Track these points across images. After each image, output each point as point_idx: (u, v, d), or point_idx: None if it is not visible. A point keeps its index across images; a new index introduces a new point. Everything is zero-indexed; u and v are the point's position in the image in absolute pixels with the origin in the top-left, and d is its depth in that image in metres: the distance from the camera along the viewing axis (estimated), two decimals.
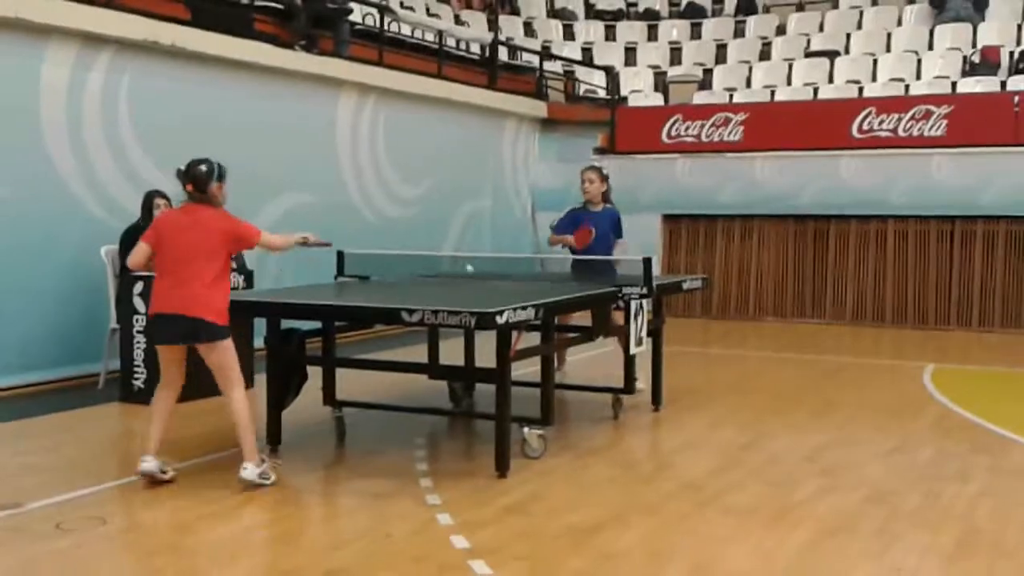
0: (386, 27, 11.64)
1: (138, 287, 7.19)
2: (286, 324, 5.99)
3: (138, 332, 7.35)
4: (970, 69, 13.67)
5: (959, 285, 12.29)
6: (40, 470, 5.49)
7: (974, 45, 14.27)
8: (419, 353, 7.08)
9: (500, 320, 5.02)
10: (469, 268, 7.85)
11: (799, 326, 12.55)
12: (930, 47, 14.51)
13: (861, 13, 15.83)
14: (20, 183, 7.66)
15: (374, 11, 11.58)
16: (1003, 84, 13.22)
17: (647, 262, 6.25)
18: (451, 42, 13.48)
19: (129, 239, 7.24)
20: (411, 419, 6.67)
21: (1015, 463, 5.81)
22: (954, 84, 13.47)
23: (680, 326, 12.40)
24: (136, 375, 7.38)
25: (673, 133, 13.67)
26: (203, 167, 5.26)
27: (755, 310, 13.21)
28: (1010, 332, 11.84)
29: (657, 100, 15.07)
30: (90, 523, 4.63)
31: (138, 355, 7.37)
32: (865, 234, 12.74)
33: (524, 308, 5.21)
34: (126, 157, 8.23)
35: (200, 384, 7.24)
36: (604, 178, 7.89)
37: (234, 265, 7.65)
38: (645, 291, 6.24)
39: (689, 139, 13.59)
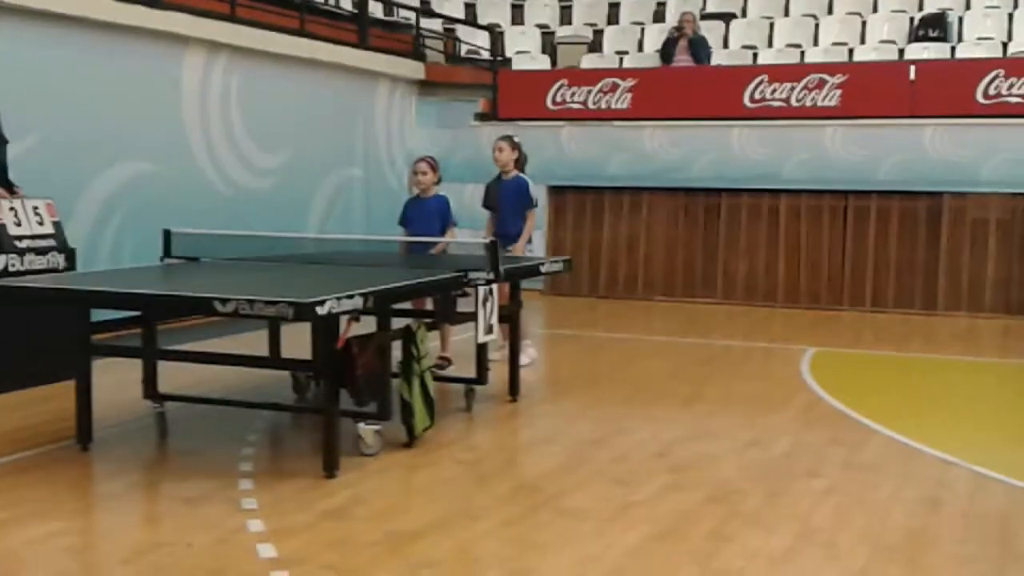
0: None
1: None
2: None
3: None
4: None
5: (851, 264, 12.66)
6: None
7: (875, 10, 14.65)
8: (263, 338, 7.07)
9: (321, 311, 5.00)
10: None
11: (689, 306, 12.80)
12: (829, 11, 14.85)
13: None
14: None
15: None
16: (900, 52, 13.62)
17: (492, 245, 6.29)
18: None
19: None
20: (247, 414, 6.62)
21: (868, 457, 6.03)
22: (851, 51, 13.81)
23: (565, 306, 12.57)
24: None
25: (559, 99, 13.76)
26: None
27: (644, 288, 13.41)
28: (903, 312, 12.25)
29: (544, 63, 15.15)
30: None
31: None
32: (758, 209, 13.02)
33: (351, 297, 5.21)
34: None
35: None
36: (515, 146, 8.54)
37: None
38: (492, 276, 6.28)
39: (575, 106, 13.69)
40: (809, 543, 4.61)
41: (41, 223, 7.64)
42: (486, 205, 8.68)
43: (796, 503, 5.16)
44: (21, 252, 7.40)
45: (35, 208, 7.64)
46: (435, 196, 8.23)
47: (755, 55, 14.16)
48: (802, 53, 13.99)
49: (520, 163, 8.55)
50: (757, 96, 12.87)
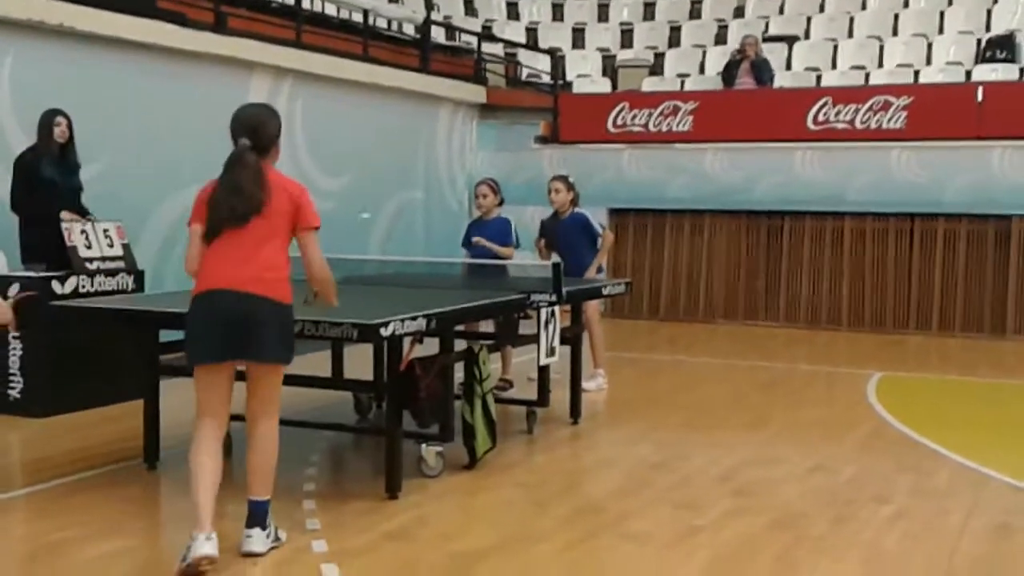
0: (306, 3, 11.60)
1: (13, 288, 7.12)
2: None
3: (14, 337, 7.30)
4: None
5: (918, 287, 12.47)
6: None
7: (941, 31, 14.48)
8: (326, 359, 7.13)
9: (385, 332, 5.04)
10: (365, 215, 8.36)
11: (750, 329, 12.68)
12: (894, 33, 14.69)
13: None
14: None
15: None
16: (968, 74, 13.43)
17: (556, 267, 6.29)
18: (382, 22, 13.46)
19: None
20: (310, 435, 6.67)
21: (937, 484, 5.92)
22: (916, 73, 13.65)
23: (624, 329, 12.52)
24: (12, 384, 7.32)
25: (619, 122, 13.75)
26: None
27: (705, 311, 13.32)
28: (971, 337, 12.03)
29: (605, 86, 15.15)
30: None
31: (13, 362, 7.31)
32: (821, 232, 12.89)
33: (414, 319, 5.24)
34: (8, 147, 8.13)
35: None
36: (570, 187, 8.57)
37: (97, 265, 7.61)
38: (554, 298, 6.28)
39: (636, 128, 13.67)
40: (877, 570, 4.54)
41: (111, 245, 7.79)
42: (541, 239, 8.70)
43: (863, 530, 5.08)
44: (92, 273, 7.55)
45: (105, 230, 7.80)
46: (497, 217, 8.29)
47: (819, 77, 14.04)
48: (867, 75, 13.85)
49: (576, 200, 8.60)
50: (821, 118, 12.75)
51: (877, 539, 4.93)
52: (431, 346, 5.91)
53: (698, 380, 9.40)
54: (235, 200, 4.36)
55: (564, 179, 8.66)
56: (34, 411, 7.19)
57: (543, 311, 6.38)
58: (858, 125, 12.61)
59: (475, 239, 8.17)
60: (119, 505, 5.34)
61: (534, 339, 6.56)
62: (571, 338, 7.22)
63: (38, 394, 7.27)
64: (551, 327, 6.48)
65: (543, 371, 6.94)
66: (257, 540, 4.51)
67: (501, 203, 8.35)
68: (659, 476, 6.01)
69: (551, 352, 6.55)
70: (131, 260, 7.97)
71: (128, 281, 7.85)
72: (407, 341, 5.53)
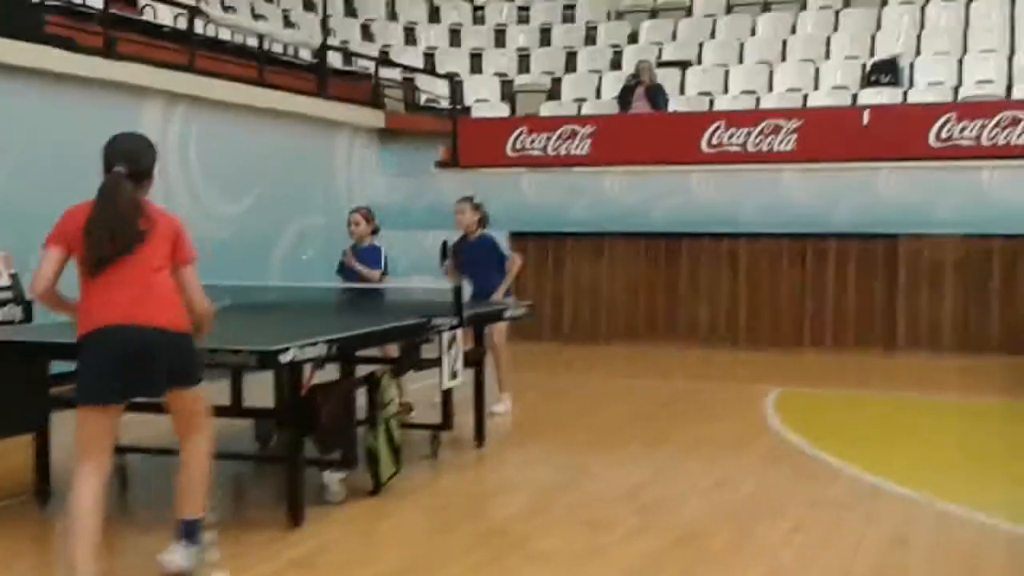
0: (199, 28, 11.45)
1: None
2: None
3: None
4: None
5: (812, 304, 12.78)
6: None
7: (828, 56, 14.93)
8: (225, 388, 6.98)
9: (285, 358, 4.98)
10: (304, 257, 8.37)
11: (651, 349, 12.83)
12: (783, 58, 15.10)
13: (715, 22, 16.36)
14: None
15: (184, 12, 11.38)
16: (854, 97, 13.86)
17: (456, 291, 6.30)
18: (277, 47, 13.34)
19: None
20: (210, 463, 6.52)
21: (833, 495, 6.06)
22: (805, 96, 14.05)
23: (528, 351, 12.52)
24: None
25: (518, 146, 13.85)
26: None
27: (607, 333, 13.45)
28: (863, 352, 12.36)
29: (503, 110, 15.26)
30: None
31: None
32: (717, 252, 13.13)
33: (314, 344, 5.18)
34: None
35: None
36: (476, 207, 8.67)
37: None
38: (456, 321, 6.28)
39: (535, 152, 13.79)
40: None
41: None
42: (446, 260, 8.82)
43: (763, 543, 5.17)
44: None
45: None
46: (370, 245, 8.43)
47: (711, 101, 14.35)
48: (757, 99, 14.20)
49: (484, 221, 8.66)
50: (715, 141, 13.02)
51: (776, 552, 5.02)
52: (333, 371, 5.86)
53: (601, 401, 9.47)
54: (117, 228, 4.17)
55: (469, 200, 8.71)
56: None
57: (445, 335, 6.37)
58: (750, 148, 12.91)
59: (344, 260, 8.39)
60: (8, 544, 5.16)
61: (436, 363, 6.54)
62: (474, 361, 7.21)
63: None
64: (453, 350, 6.47)
65: (446, 394, 6.93)
66: (182, 556, 4.40)
67: (375, 231, 8.50)
68: (564, 496, 6.04)
69: (454, 375, 6.54)
70: (19, 290, 7.73)
71: (16, 312, 7.61)
72: (307, 367, 5.47)
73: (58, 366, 5.94)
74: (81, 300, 4.28)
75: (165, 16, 12.29)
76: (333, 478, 5.79)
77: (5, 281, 7.62)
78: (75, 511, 4.12)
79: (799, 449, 7.32)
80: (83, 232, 4.21)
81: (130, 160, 4.29)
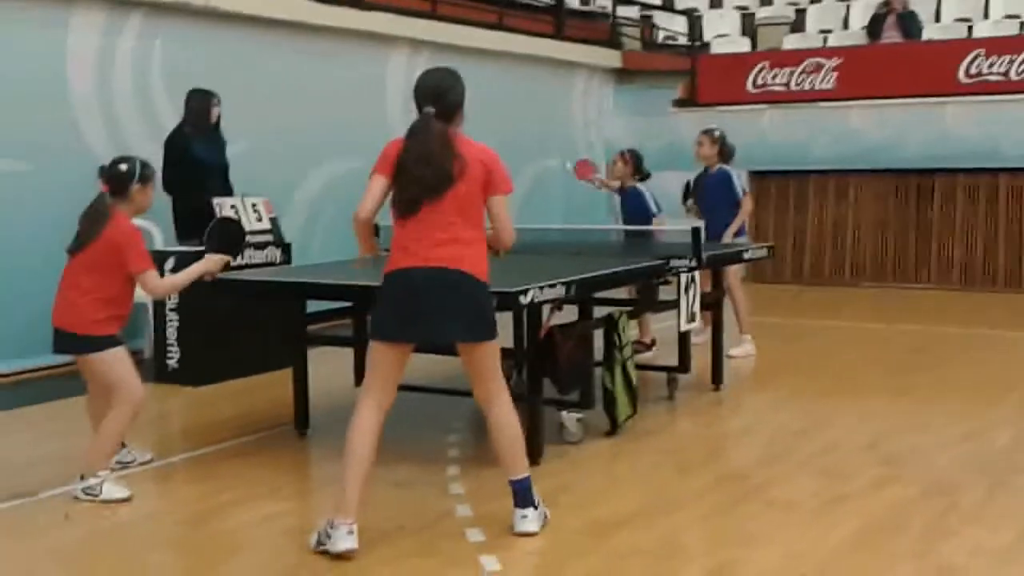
0: None
1: (169, 262, 7.42)
2: None
3: (171, 310, 7.63)
4: None
5: None
6: (59, 458, 5.76)
7: None
8: None
9: (524, 300, 5.09)
10: (568, 166, 9.06)
11: (900, 292, 12.31)
12: None
13: None
14: (46, 158, 7.94)
15: None
16: None
17: (695, 232, 6.23)
18: None
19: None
20: (453, 402, 6.78)
21: None
22: None
23: (768, 293, 12.28)
24: (170, 354, 7.66)
25: (760, 82, 13.46)
26: (123, 166, 5.09)
27: (852, 274, 12.99)
28: None
29: (744, 46, 14.83)
30: (99, 514, 4.85)
31: (171, 333, 7.65)
32: (974, 190, 12.41)
33: (552, 286, 5.27)
34: (160, 128, 8.46)
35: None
36: (715, 140, 8.53)
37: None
38: (694, 263, 6.23)
39: (778, 88, 13.36)
40: None
41: (260, 219, 8.04)
42: (690, 197, 8.70)
43: (1018, 499, 4.91)
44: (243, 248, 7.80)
45: (254, 206, 8.05)
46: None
47: (970, 28, 13.43)
48: (1022, 24, 13.19)
49: (726, 155, 8.51)
50: (973, 71, 12.23)
51: None
52: (571, 313, 5.94)
53: (844, 346, 9.18)
54: (426, 172, 4.20)
55: (709, 132, 8.58)
56: (191, 380, 7.51)
57: (683, 276, 6.32)
58: (1013, 77, 12.06)
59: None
60: (273, 470, 5.55)
61: (674, 305, 6.51)
62: (712, 303, 7.14)
63: (194, 364, 7.59)
64: (691, 292, 6.42)
65: (683, 337, 6.89)
66: (531, 520, 4.47)
67: (642, 176, 8.41)
68: (804, 443, 5.92)
69: (692, 318, 6.50)
70: (278, 234, 8.22)
71: (276, 254, 8.10)
72: (546, 308, 5.57)
73: (315, 305, 6.31)
74: (393, 239, 4.38)
75: None
76: (571, 418, 5.89)
77: (266, 225, 8.10)
78: (351, 439, 4.30)
79: None
80: (395, 166, 4.27)
81: (436, 99, 4.30)
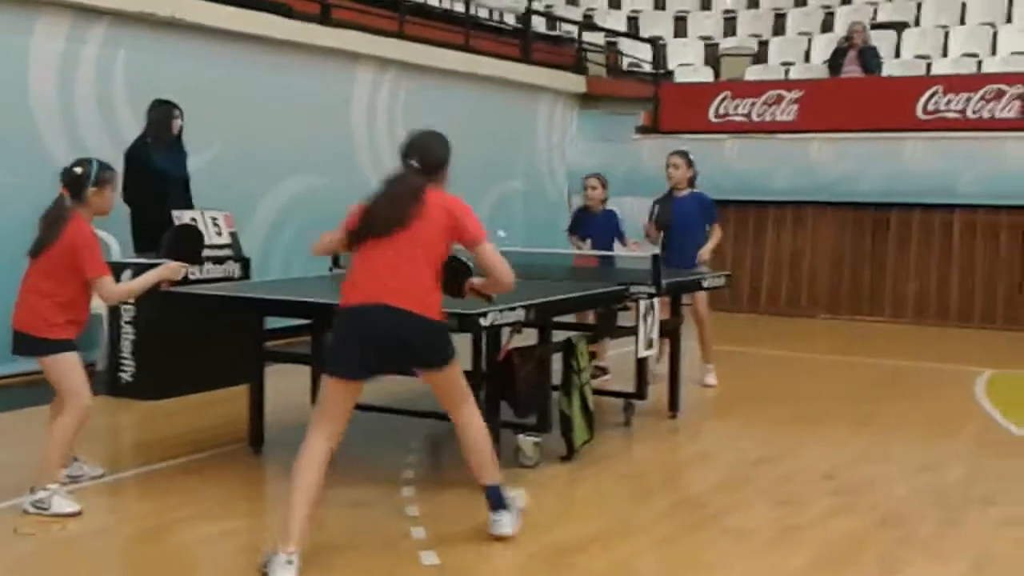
0: None
1: (126, 274, 7.32)
2: None
3: (127, 323, 7.53)
4: None
5: None
6: (11, 468, 5.64)
7: None
8: None
9: (484, 322, 5.07)
10: (501, 233, 8.35)
11: (854, 324, 12.42)
12: (1008, 19, 14.23)
13: None
14: (6, 165, 7.83)
15: None
16: None
17: (655, 258, 6.25)
18: (483, 12, 13.50)
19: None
20: (410, 422, 6.74)
21: None
22: None
23: (724, 322, 12.32)
24: (124, 367, 7.55)
25: (721, 111, 13.59)
26: (79, 168, 5.05)
27: (808, 305, 13.09)
28: None
29: (707, 75, 14.99)
30: (49, 528, 4.76)
31: (126, 346, 7.54)
32: (929, 225, 12.56)
33: (512, 309, 5.25)
34: (121, 137, 8.37)
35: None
36: (690, 163, 8.39)
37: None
38: (654, 290, 6.24)
39: (739, 118, 13.50)
40: (987, 572, 4.41)
41: (219, 233, 7.97)
42: (658, 222, 8.38)
43: (972, 530, 4.95)
44: (201, 261, 7.71)
45: (214, 219, 7.98)
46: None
47: (929, 65, 13.67)
48: (979, 63, 13.44)
49: (693, 180, 8.38)
50: (931, 107, 12.43)
51: (987, 543, 4.80)
52: (530, 336, 5.92)
53: (800, 375, 9.25)
54: (384, 209, 4.38)
55: (684, 154, 8.43)
56: (144, 394, 7.40)
57: (642, 303, 6.34)
58: (970, 114, 12.27)
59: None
60: (226, 487, 5.47)
61: (632, 331, 6.51)
62: (671, 330, 7.16)
63: (148, 378, 7.49)
64: (650, 319, 6.43)
65: (640, 363, 6.90)
66: (505, 524, 4.59)
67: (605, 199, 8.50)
68: (761, 471, 5.94)
69: (649, 344, 6.51)
70: (238, 248, 8.15)
71: (235, 268, 8.02)
72: (506, 331, 5.55)
73: (273, 321, 6.25)
74: (347, 274, 4.52)
75: None
76: (528, 442, 5.87)
77: (226, 239, 8.03)
78: (298, 469, 4.28)
79: (1013, 435, 6.96)
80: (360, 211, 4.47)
81: (421, 153, 4.49)
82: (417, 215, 4.36)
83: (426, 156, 4.50)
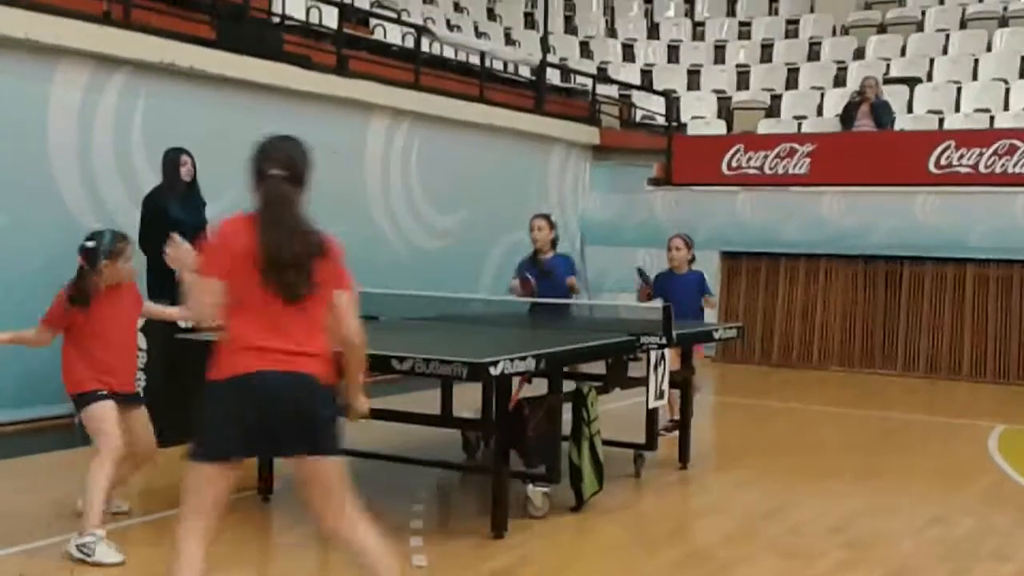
0: (425, 47, 11.85)
1: (139, 322, 7.37)
2: None
3: (139, 369, 7.56)
4: None
5: None
6: (16, 515, 5.67)
7: None
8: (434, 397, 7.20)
9: (494, 371, 5.09)
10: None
11: (866, 377, 12.39)
12: (1020, 75, 14.31)
13: (947, 37, 15.66)
14: (22, 210, 7.92)
15: (412, 32, 11.80)
16: None
17: (666, 310, 6.28)
18: (498, 65, 13.64)
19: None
20: (418, 471, 6.74)
21: None
22: None
23: (736, 374, 12.36)
24: None
25: (734, 164, 13.66)
26: (91, 243, 5.28)
27: (819, 358, 13.06)
28: None
29: (720, 128, 15.09)
30: (57, 574, 4.77)
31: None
32: (942, 278, 12.56)
33: (523, 358, 5.28)
34: (138, 185, 8.47)
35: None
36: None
37: None
38: (664, 340, 6.26)
39: (751, 171, 13.57)
40: None
41: None
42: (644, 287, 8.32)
43: None
44: None
45: None
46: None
47: (941, 120, 13.75)
48: (991, 118, 13.51)
49: (555, 241, 8.13)
50: (943, 162, 12.47)
51: None
52: (540, 386, 5.95)
53: (811, 427, 9.22)
54: (288, 251, 3.64)
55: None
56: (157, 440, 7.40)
57: (652, 353, 6.36)
58: (982, 169, 12.30)
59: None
60: (234, 535, 5.46)
61: (643, 382, 6.53)
62: (680, 381, 7.17)
63: (158, 424, 7.49)
64: (660, 370, 6.45)
65: (651, 414, 6.91)
66: None
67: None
68: (769, 524, 5.92)
69: (660, 395, 6.52)
70: None
71: None
72: (516, 380, 5.58)
73: None
74: (227, 337, 3.83)
75: (394, 35, 12.81)
76: (537, 492, 5.87)
77: None
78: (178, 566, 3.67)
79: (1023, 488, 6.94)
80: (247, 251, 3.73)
81: (288, 163, 3.88)
82: (324, 250, 3.75)
83: (294, 164, 3.86)
